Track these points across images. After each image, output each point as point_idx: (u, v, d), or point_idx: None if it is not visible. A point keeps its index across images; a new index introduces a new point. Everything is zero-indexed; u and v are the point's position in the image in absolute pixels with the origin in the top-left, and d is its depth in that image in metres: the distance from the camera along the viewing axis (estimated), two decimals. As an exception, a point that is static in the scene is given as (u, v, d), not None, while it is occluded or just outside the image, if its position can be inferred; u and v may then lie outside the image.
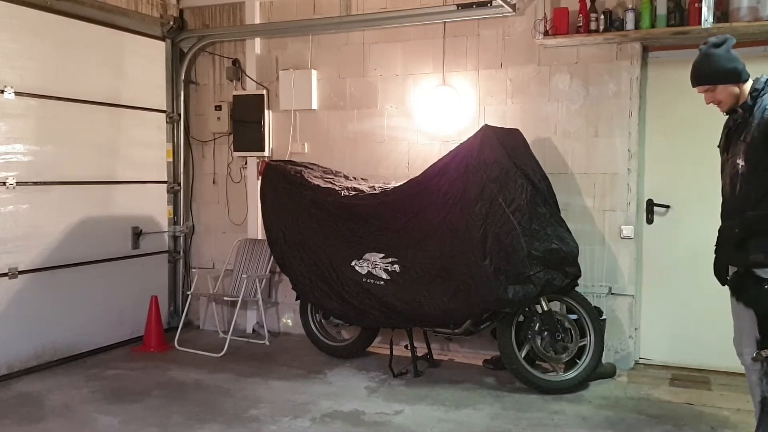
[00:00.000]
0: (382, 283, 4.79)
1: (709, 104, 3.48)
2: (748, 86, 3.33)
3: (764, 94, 3.28)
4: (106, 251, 5.73)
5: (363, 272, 4.88)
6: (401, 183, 5.03)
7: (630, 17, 4.77)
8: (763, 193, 3.24)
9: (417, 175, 4.96)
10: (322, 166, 5.61)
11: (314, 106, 6.02)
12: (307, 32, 6.01)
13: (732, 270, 3.49)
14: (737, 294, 3.43)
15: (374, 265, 4.84)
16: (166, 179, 6.37)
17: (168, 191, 6.40)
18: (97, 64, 5.63)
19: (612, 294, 5.12)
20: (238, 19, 6.28)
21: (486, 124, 4.79)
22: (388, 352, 5.12)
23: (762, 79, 3.33)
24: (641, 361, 5.22)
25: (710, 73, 3.36)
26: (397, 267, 4.75)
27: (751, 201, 3.28)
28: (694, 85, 3.44)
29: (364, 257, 4.88)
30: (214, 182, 6.55)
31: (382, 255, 4.83)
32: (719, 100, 3.40)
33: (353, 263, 4.91)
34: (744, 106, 3.33)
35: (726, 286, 3.64)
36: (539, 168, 4.71)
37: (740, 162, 3.32)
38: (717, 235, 3.65)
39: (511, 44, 5.34)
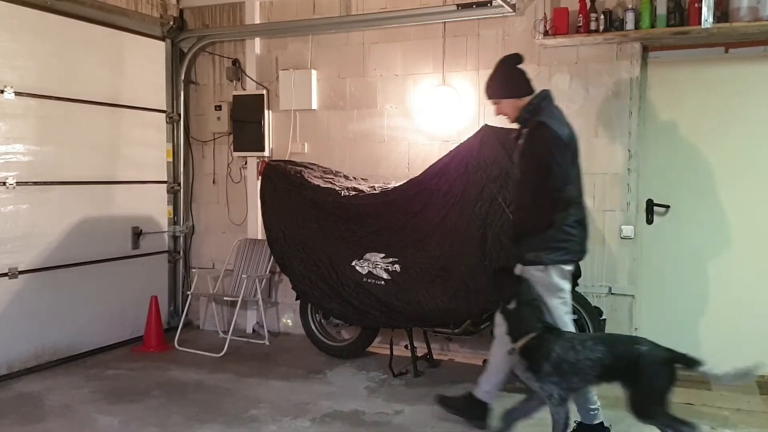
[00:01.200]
0: (383, 283, 4.78)
1: (498, 116, 3.81)
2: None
3: (541, 109, 3.58)
4: (106, 251, 5.73)
5: (363, 272, 4.88)
6: (401, 183, 5.03)
7: (630, 17, 4.77)
8: (530, 199, 3.57)
9: (417, 175, 4.96)
10: (322, 166, 5.61)
11: (314, 106, 6.01)
12: (307, 32, 6.01)
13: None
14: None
15: (375, 265, 4.83)
16: (166, 179, 6.37)
17: (168, 191, 6.40)
18: (97, 64, 5.63)
19: (612, 294, 5.11)
20: (238, 19, 6.28)
21: (486, 124, 4.79)
22: (388, 352, 5.13)
23: (541, 95, 3.65)
24: (641, 361, 5.21)
25: (495, 89, 3.73)
26: (397, 267, 4.75)
27: (524, 206, 3.62)
28: (487, 98, 3.81)
29: (364, 257, 4.88)
30: (214, 182, 6.55)
31: (382, 255, 4.82)
32: (505, 112, 3.73)
33: (354, 263, 4.91)
34: (520, 120, 3.65)
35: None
36: (539, 168, 4.70)
37: (517, 170, 3.68)
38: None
39: (511, 44, 5.33)
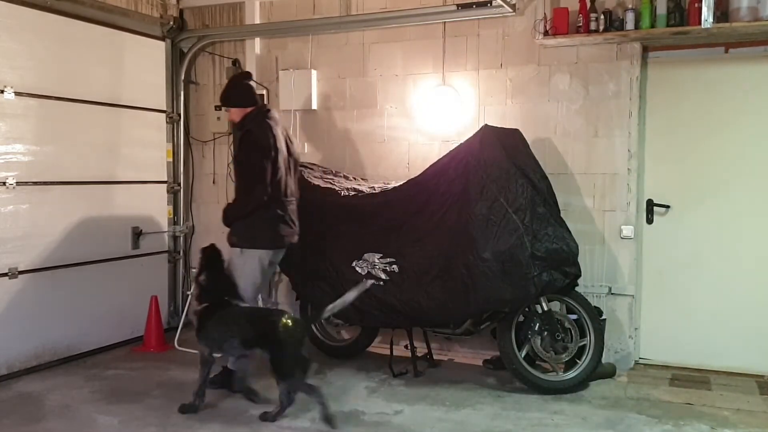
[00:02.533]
0: (382, 283, 4.78)
1: (230, 121, 4.68)
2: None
3: (254, 119, 4.38)
4: (106, 251, 5.73)
5: (363, 273, 4.87)
6: (401, 183, 5.03)
7: (630, 17, 4.77)
8: (235, 193, 4.45)
9: (417, 175, 4.96)
10: (322, 166, 5.61)
11: (314, 106, 6.01)
12: (307, 32, 6.01)
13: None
14: None
15: (373, 265, 4.83)
16: (166, 179, 6.37)
17: (168, 191, 6.39)
18: (97, 64, 5.63)
19: (612, 294, 5.12)
20: (238, 19, 6.28)
21: (486, 124, 4.79)
22: (388, 352, 5.12)
23: (259, 107, 4.48)
24: (641, 361, 5.22)
25: (224, 100, 4.57)
26: (395, 267, 4.74)
27: (237, 195, 4.46)
28: (221, 106, 4.70)
29: (363, 257, 4.87)
30: (214, 182, 6.55)
31: (380, 255, 4.82)
32: (233, 119, 4.54)
33: (354, 264, 4.90)
34: (239, 126, 4.46)
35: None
36: (539, 168, 4.70)
37: (232, 166, 4.61)
38: None
39: (511, 44, 5.34)
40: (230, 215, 4.45)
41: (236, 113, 4.49)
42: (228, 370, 4.48)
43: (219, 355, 4.26)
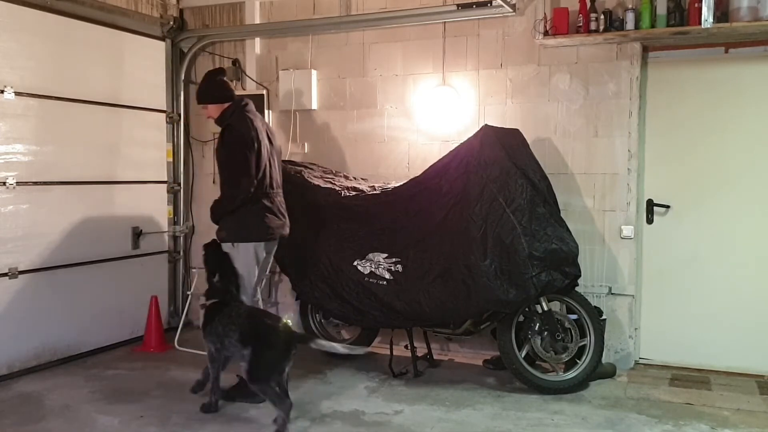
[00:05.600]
0: (385, 283, 4.77)
1: (208, 118, 4.60)
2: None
3: (233, 114, 4.38)
4: (106, 251, 5.73)
5: (365, 272, 4.86)
6: (401, 183, 5.03)
7: (630, 17, 4.77)
8: (221, 187, 4.44)
9: (417, 175, 4.96)
10: (322, 166, 5.61)
11: (314, 106, 6.01)
12: (307, 32, 6.01)
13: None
14: None
15: (378, 264, 4.82)
16: (166, 179, 6.37)
17: (168, 191, 6.39)
18: (97, 64, 5.63)
19: (612, 294, 5.12)
20: (238, 19, 6.28)
21: (486, 124, 4.79)
22: (388, 352, 5.12)
23: (237, 102, 4.43)
24: (641, 361, 5.22)
25: (204, 95, 4.52)
26: (400, 267, 4.74)
27: (222, 190, 4.45)
28: (198, 103, 4.62)
29: (367, 257, 4.86)
30: (214, 182, 6.51)
31: (385, 255, 4.81)
32: (211, 115, 4.51)
33: (355, 263, 4.89)
34: (218, 121, 4.46)
35: None
36: (539, 168, 4.70)
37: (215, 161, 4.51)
38: None
39: (511, 44, 5.34)
40: (218, 211, 4.45)
41: (214, 110, 4.49)
42: (243, 380, 4.26)
43: (227, 354, 4.19)
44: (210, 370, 4.22)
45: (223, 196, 4.41)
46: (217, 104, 4.46)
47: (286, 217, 4.59)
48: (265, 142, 4.42)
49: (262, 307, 4.66)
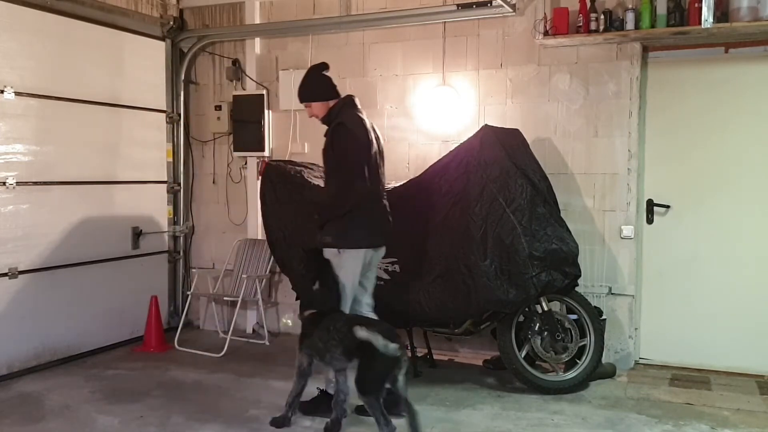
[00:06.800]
0: (382, 283, 4.77)
1: (311, 117, 4.23)
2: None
3: (342, 112, 4.03)
4: (106, 251, 5.73)
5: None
6: (401, 183, 5.02)
7: (630, 17, 4.77)
8: (329, 189, 4.07)
9: (417, 175, 4.96)
10: (322, 166, 5.60)
11: (314, 106, 6.01)
12: (307, 32, 6.01)
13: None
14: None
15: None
16: (166, 179, 6.37)
17: (168, 191, 6.40)
18: (97, 64, 5.63)
19: (612, 294, 5.12)
20: (238, 19, 6.28)
21: (486, 124, 4.79)
22: (388, 352, 5.11)
23: (344, 100, 4.10)
24: (641, 361, 5.22)
25: (307, 93, 4.16)
26: (397, 267, 4.74)
27: (327, 196, 4.10)
28: (300, 102, 4.22)
29: (364, 257, 4.86)
30: (214, 182, 6.55)
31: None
32: (315, 114, 4.16)
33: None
34: (325, 120, 4.11)
35: None
36: (539, 168, 4.70)
37: (324, 165, 4.15)
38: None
39: (511, 44, 5.34)
40: (326, 214, 4.03)
41: (318, 108, 4.12)
42: (325, 393, 4.15)
43: (322, 365, 3.92)
44: (295, 384, 3.96)
45: (334, 199, 4.00)
46: (322, 102, 4.12)
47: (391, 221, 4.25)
48: (374, 142, 4.11)
49: (373, 316, 4.19)
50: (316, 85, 4.15)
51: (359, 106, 4.13)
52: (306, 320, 3.95)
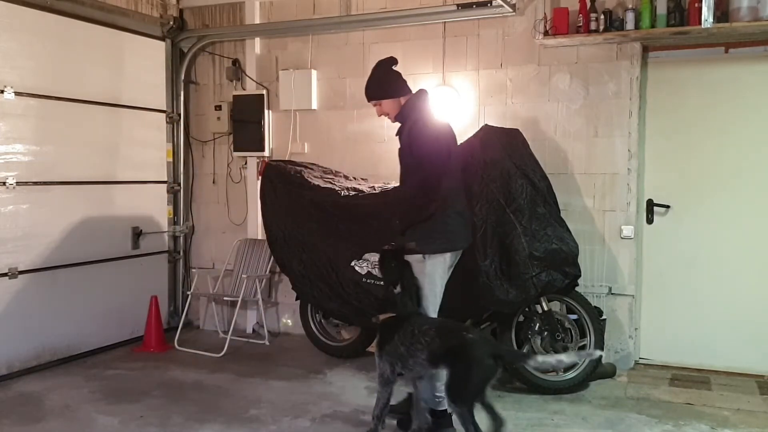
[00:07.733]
0: (382, 283, 4.77)
1: (381, 116, 3.98)
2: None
3: (417, 108, 3.78)
4: (106, 251, 5.73)
5: (363, 272, 4.86)
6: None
7: (630, 17, 4.77)
8: (410, 192, 3.76)
9: (417, 175, 4.95)
10: (322, 166, 5.61)
11: (314, 106, 6.01)
12: (307, 32, 6.01)
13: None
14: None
15: (374, 265, 4.81)
16: (166, 179, 6.37)
17: (168, 191, 6.40)
18: (97, 64, 5.63)
19: (612, 294, 5.12)
20: (238, 19, 6.28)
21: (486, 124, 4.79)
22: (388, 352, 5.11)
23: (417, 95, 3.85)
24: (641, 361, 5.22)
25: (376, 91, 3.90)
26: (396, 267, 4.73)
27: (406, 199, 3.83)
28: (368, 101, 3.97)
29: (363, 257, 4.86)
30: (214, 182, 6.55)
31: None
32: (386, 112, 3.91)
33: (353, 263, 4.89)
34: (399, 118, 3.85)
35: None
36: (539, 168, 4.70)
37: (400, 166, 3.86)
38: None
39: (511, 44, 5.34)
40: (411, 218, 3.72)
41: (389, 105, 3.87)
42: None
43: (402, 373, 3.71)
44: (380, 393, 3.72)
45: (419, 201, 3.68)
46: (394, 99, 3.87)
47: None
48: (454, 138, 3.93)
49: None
50: (386, 81, 3.89)
51: (431, 102, 3.89)
52: (383, 326, 3.71)
